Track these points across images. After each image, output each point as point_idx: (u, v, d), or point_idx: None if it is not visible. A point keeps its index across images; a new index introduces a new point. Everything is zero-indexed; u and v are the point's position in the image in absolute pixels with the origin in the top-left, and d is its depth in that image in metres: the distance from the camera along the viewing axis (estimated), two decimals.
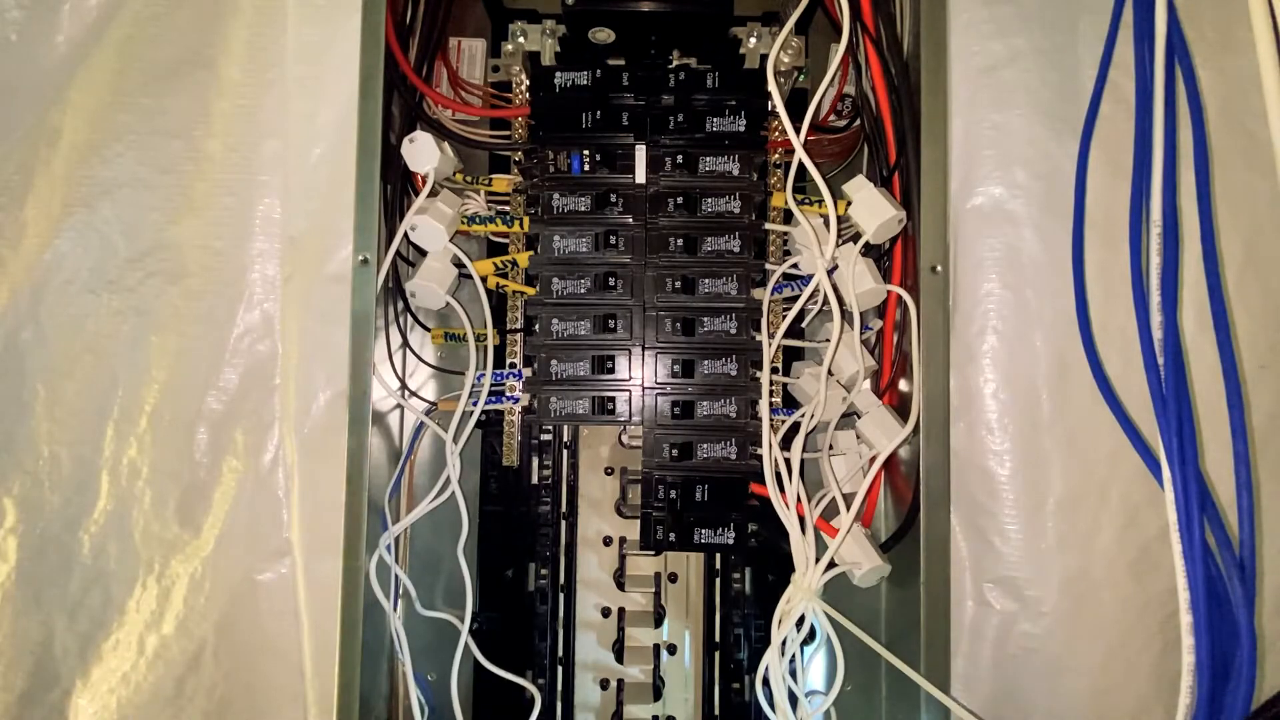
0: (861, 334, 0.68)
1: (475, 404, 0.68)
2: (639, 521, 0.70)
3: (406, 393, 0.72)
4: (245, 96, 0.65)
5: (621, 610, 0.76)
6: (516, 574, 0.70)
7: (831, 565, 0.62)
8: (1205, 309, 0.59)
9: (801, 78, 0.76)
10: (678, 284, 0.68)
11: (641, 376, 0.69)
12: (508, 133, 0.73)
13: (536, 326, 0.69)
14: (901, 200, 0.65)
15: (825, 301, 0.65)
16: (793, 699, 0.61)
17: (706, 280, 0.68)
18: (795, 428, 0.66)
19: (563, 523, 0.75)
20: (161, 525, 0.63)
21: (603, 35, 0.73)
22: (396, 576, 0.67)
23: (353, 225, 0.62)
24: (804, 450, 0.65)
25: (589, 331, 0.68)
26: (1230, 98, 0.62)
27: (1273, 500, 0.61)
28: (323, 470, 0.62)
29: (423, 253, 0.69)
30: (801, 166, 0.63)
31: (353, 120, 0.63)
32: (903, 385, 0.68)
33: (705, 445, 0.68)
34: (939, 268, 0.63)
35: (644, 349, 0.69)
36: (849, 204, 0.65)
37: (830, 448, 0.69)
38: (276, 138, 0.64)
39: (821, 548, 0.62)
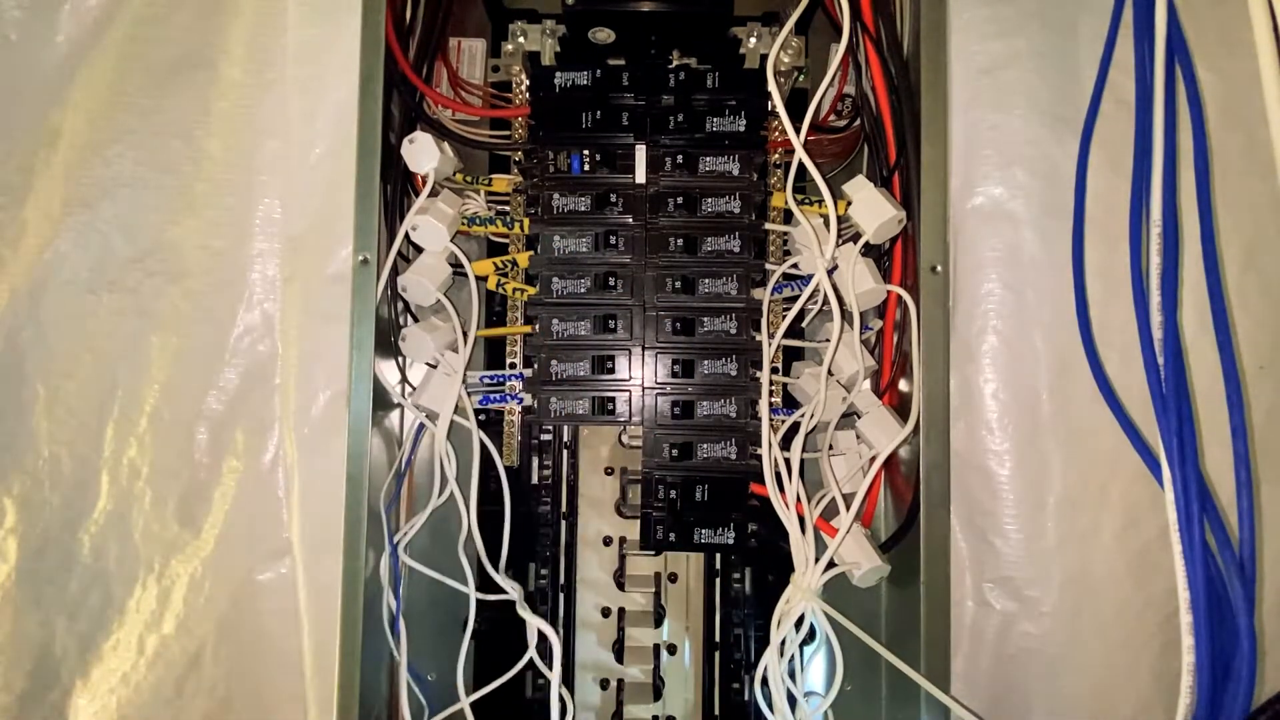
0: (861, 334, 0.68)
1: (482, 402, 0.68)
2: (639, 521, 0.70)
3: (406, 392, 0.72)
4: (245, 96, 0.65)
5: (621, 610, 0.76)
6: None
7: (831, 565, 0.62)
8: (1205, 309, 0.58)
9: (801, 78, 0.76)
10: (678, 284, 0.68)
11: (641, 376, 0.69)
12: (508, 133, 0.73)
13: (536, 326, 0.69)
14: (901, 200, 0.65)
15: (825, 301, 0.65)
16: (791, 699, 0.61)
17: (706, 280, 0.68)
18: (795, 428, 0.66)
19: (563, 523, 0.75)
20: (161, 525, 0.63)
21: (603, 35, 0.73)
22: (397, 577, 0.67)
23: (353, 225, 0.62)
24: (804, 450, 0.65)
25: (589, 331, 0.68)
26: (1230, 99, 0.62)
27: (1273, 500, 0.61)
28: (323, 470, 0.62)
29: (422, 252, 0.69)
30: (801, 166, 0.63)
31: (353, 120, 0.63)
32: (903, 385, 0.68)
33: (705, 445, 0.68)
34: (939, 268, 0.63)
35: (644, 349, 0.68)
36: (849, 204, 0.65)
37: (830, 448, 0.69)
38: (276, 138, 0.64)
39: (821, 548, 0.62)
